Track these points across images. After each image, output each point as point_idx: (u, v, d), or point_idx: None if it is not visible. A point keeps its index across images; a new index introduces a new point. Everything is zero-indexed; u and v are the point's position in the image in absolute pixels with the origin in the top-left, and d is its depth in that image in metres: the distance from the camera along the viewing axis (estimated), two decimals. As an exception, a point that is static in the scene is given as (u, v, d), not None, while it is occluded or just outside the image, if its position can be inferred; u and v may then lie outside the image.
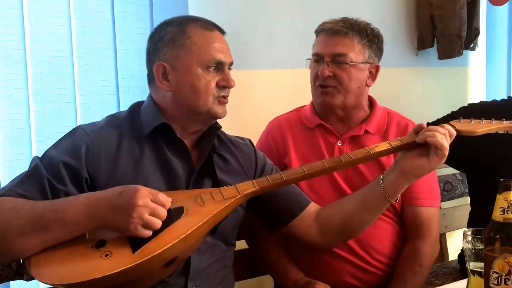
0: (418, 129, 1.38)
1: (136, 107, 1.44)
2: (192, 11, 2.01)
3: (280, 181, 1.33)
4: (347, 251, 1.67)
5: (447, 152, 1.33)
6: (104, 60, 1.85)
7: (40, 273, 1.13)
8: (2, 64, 1.70)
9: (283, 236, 1.68)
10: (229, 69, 1.42)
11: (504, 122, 1.47)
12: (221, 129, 1.47)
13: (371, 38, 1.71)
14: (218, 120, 1.44)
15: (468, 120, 1.48)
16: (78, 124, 1.79)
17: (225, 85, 1.38)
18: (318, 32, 1.74)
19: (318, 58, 1.70)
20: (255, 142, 1.83)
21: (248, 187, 1.30)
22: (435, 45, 2.68)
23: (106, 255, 1.13)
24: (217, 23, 2.12)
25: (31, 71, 1.74)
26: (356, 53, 1.67)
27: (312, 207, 1.53)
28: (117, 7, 1.86)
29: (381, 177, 1.41)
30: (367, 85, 1.73)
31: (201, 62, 1.35)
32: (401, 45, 2.69)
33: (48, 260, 1.15)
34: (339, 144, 1.71)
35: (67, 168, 1.27)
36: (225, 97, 1.40)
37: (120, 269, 1.08)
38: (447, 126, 1.37)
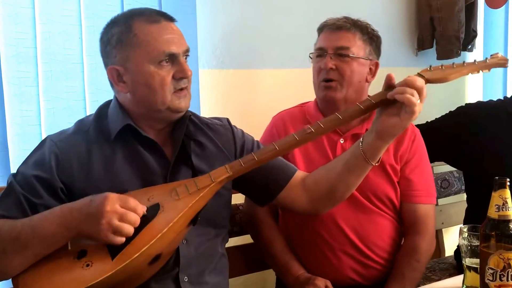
0: (389, 84, 1.33)
1: (102, 109, 1.41)
2: (200, 13, 2.04)
3: (252, 162, 1.30)
4: (349, 246, 1.69)
5: (416, 108, 1.27)
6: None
7: None
8: (14, 62, 1.73)
9: (282, 208, 1.64)
10: (186, 56, 1.36)
11: (476, 62, 1.40)
12: (191, 116, 1.43)
13: (372, 36, 1.75)
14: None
15: (439, 67, 1.40)
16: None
17: (181, 76, 1.32)
18: (321, 28, 1.78)
19: (321, 52, 1.73)
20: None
21: (221, 174, 1.27)
22: (434, 46, 2.72)
23: (87, 265, 1.13)
24: (225, 24, 2.14)
25: (42, 69, 1.77)
26: (358, 47, 1.71)
27: (299, 175, 1.51)
28: (127, 7, 1.88)
29: (361, 139, 1.39)
30: (367, 81, 1.75)
31: (151, 58, 1.29)
32: (402, 45, 2.73)
33: (34, 278, 1.15)
34: (342, 142, 1.72)
35: (40, 181, 1.26)
36: (183, 88, 1.34)
37: (100, 278, 1.08)
38: (418, 80, 1.30)
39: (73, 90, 1.84)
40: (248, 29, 2.22)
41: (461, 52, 2.72)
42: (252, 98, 2.27)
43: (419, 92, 1.28)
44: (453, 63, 1.40)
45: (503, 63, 1.43)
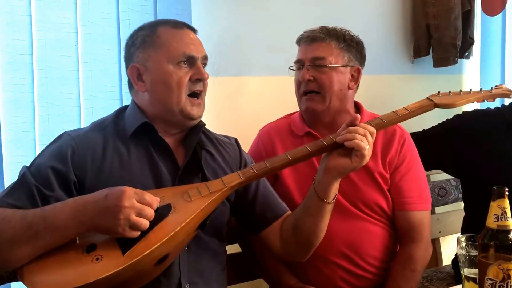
0: (352, 123, 1.36)
1: (120, 112, 1.45)
2: (195, 21, 2.05)
3: (265, 170, 1.32)
4: (339, 256, 1.68)
5: (366, 152, 1.30)
6: (109, 66, 1.87)
7: (33, 282, 1.13)
8: (10, 68, 1.73)
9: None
10: (204, 64, 1.42)
11: (482, 91, 1.47)
12: (205, 126, 1.48)
13: (350, 42, 1.75)
14: (210, 123, 1.45)
15: (446, 93, 1.47)
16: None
17: (198, 78, 1.38)
18: (298, 42, 1.79)
19: (299, 65, 1.75)
20: (249, 147, 1.85)
21: (234, 179, 1.30)
22: (431, 54, 2.72)
23: (97, 259, 1.13)
24: (220, 31, 2.15)
25: (37, 75, 1.76)
26: (335, 56, 1.71)
27: (285, 216, 1.51)
28: (123, 15, 1.89)
29: (314, 179, 1.40)
30: (349, 88, 1.75)
31: (171, 58, 1.35)
32: (398, 53, 2.73)
33: (40, 269, 1.15)
34: None
35: (55, 172, 1.28)
36: (197, 95, 1.39)
37: (111, 272, 1.08)
38: (368, 126, 1.35)
39: (69, 97, 1.83)
40: (242, 37, 2.23)
41: (458, 59, 2.72)
42: (247, 105, 2.27)
43: (371, 134, 1.32)
44: (460, 90, 1.47)
45: (507, 94, 1.51)
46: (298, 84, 1.74)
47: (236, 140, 1.59)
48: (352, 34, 1.78)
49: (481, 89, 1.47)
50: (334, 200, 1.39)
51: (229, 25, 2.20)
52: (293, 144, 1.76)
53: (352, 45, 1.76)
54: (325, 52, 1.71)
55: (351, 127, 1.33)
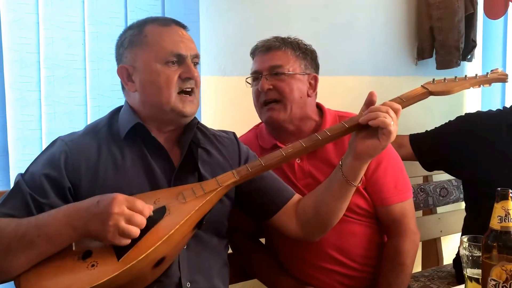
0: (370, 101, 1.34)
1: (114, 113, 1.45)
2: (203, 20, 2.05)
3: (259, 168, 1.31)
4: (331, 262, 1.68)
5: (392, 128, 1.28)
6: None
7: None
8: (17, 67, 1.73)
9: (270, 230, 1.63)
10: (196, 63, 1.40)
11: (478, 77, 1.44)
12: (199, 125, 1.46)
13: (304, 50, 1.73)
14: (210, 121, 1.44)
15: (441, 80, 1.44)
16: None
17: (187, 76, 1.36)
18: (253, 53, 1.76)
19: (256, 75, 1.71)
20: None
21: (228, 178, 1.29)
22: (434, 56, 2.74)
23: (93, 265, 1.13)
24: (227, 31, 2.12)
25: (44, 74, 1.77)
26: (292, 64, 1.68)
27: (296, 199, 1.51)
28: (130, 14, 1.89)
29: (340, 162, 1.39)
30: (309, 96, 1.71)
31: (159, 57, 1.33)
32: (402, 55, 2.74)
33: (37, 277, 1.15)
34: (298, 162, 1.70)
35: (49, 180, 1.27)
36: (189, 91, 1.37)
37: (106, 278, 1.08)
38: (388, 102, 1.32)
39: (75, 95, 1.84)
40: (250, 37, 2.22)
41: (461, 62, 2.73)
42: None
43: (395, 112, 1.30)
44: (455, 77, 1.43)
45: (503, 78, 1.47)
46: (257, 95, 1.70)
47: (234, 134, 1.58)
48: (305, 43, 1.75)
49: (476, 74, 1.44)
50: (361, 182, 1.40)
51: (237, 25, 2.20)
52: None
53: (307, 53, 1.73)
54: (283, 60, 1.67)
55: (372, 107, 1.31)
